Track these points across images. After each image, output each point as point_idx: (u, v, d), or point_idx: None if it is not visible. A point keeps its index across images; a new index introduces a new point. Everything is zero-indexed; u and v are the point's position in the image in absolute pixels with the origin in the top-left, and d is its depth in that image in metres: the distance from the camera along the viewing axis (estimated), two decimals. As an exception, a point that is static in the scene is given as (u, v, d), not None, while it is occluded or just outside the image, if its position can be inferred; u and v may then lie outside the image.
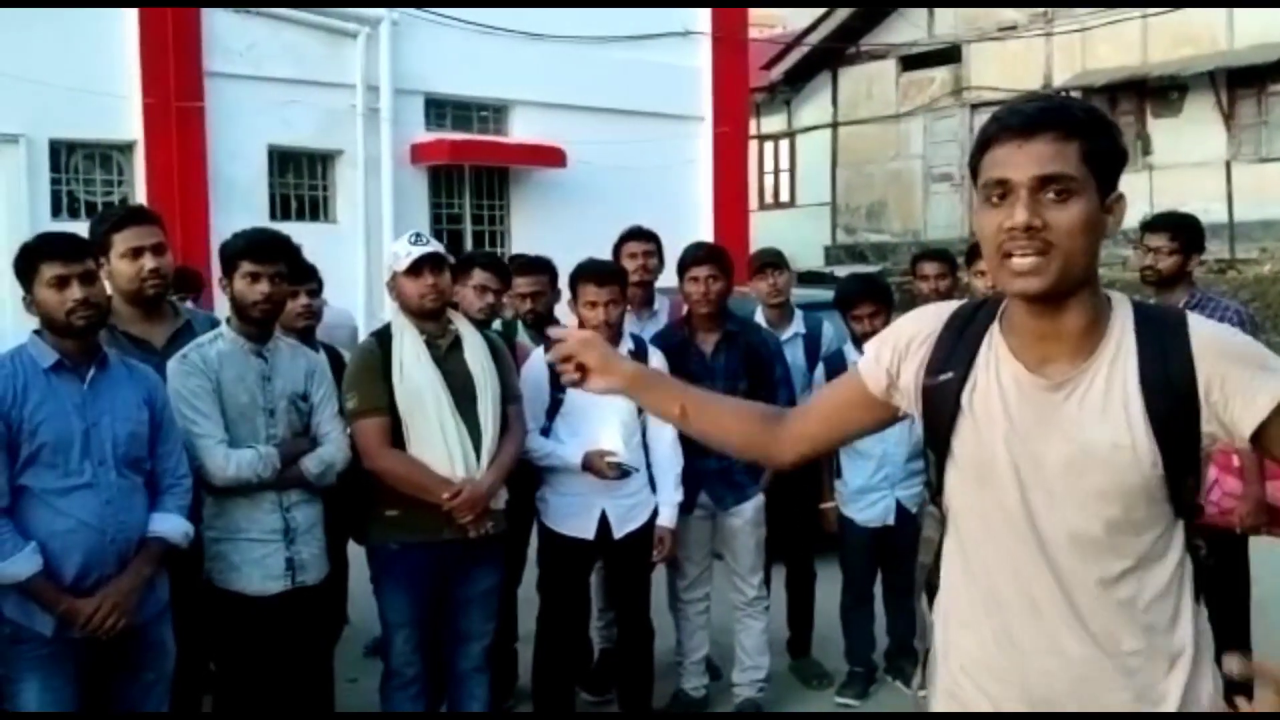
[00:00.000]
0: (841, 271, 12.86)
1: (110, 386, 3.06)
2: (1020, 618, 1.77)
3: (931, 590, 1.97)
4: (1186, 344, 1.65)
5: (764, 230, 14.31)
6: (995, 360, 1.77)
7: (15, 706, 2.94)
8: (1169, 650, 1.72)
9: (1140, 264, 4.44)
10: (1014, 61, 17.90)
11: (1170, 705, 1.72)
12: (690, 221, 12.39)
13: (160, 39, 10.17)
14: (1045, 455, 1.71)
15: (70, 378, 3.00)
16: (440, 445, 3.62)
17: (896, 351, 1.88)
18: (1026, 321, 1.73)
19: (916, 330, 1.87)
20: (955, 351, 1.80)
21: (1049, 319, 1.70)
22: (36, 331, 3.05)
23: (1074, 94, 17.29)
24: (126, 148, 10.42)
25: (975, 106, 18.25)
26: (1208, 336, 1.67)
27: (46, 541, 2.90)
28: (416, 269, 3.66)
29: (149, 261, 3.53)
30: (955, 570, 1.88)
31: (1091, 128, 1.66)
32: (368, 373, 3.67)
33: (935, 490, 1.90)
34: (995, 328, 1.79)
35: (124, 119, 10.24)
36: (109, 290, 3.31)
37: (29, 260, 3.00)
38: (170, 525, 3.12)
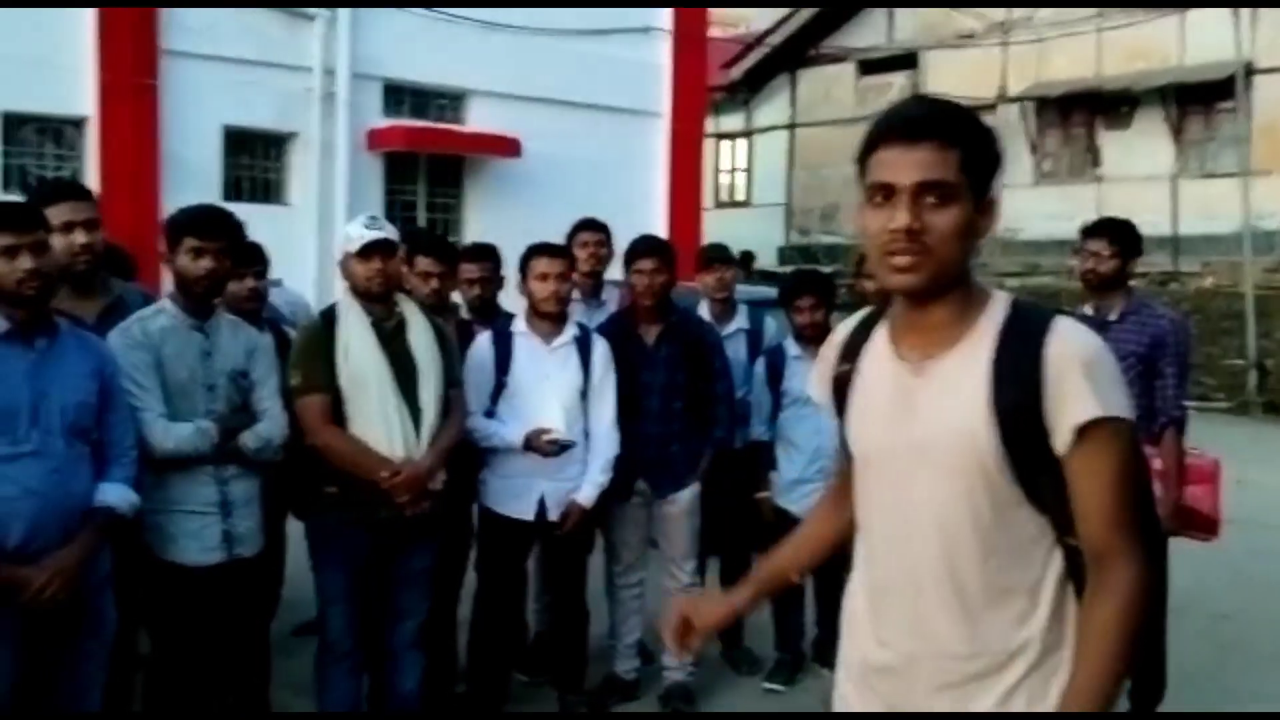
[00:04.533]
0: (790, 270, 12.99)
1: (60, 356, 3.08)
2: (890, 599, 1.88)
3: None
4: (1043, 342, 1.70)
5: (719, 229, 14.41)
6: (875, 351, 1.90)
7: (-47, 668, 2.97)
8: (1005, 647, 1.76)
9: (1081, 269, 4.56)
10: (971, 70, 18.16)
11: (986, 701, 1.77)
12: (644, 216, 12.48)
13: (118, 15, 10.10)
14: (906, 437, 1.80)
15: (20, 347, 3.02)
16: (381, 425, 3.68)
17: (826, 360, 2.02)
18: (902, 314, 1.85)
19: (836, 335, 2.02)
20: (852, 346, 1.95)
21: (920, 311, 1.81)
22: (-12, 300, 3.07)
23: (1028, 104, 17.63)
24: (79, 123, 10.34)
25: (931, 113, 18.49)
26: (1064, 340, 1.71)
27: (-9, 508, 2.92)
28: (367, 252, 3.72)
29: (80, 237, 3.54)
30: (857, 557, 1.99)
31: (971, 136, 1.75)
32: (312, 351, 3.72)
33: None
34: (884, 323, 1.92)
35: (78, 94, 10.16)
36: None
37: None
38: (117, 495, 3.15)
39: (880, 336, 1.90)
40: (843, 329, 2.02)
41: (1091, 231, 4.54)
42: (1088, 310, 4.56)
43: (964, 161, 1.72)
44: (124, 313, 3.57)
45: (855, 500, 1.96)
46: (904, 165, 1.72)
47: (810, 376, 2.10)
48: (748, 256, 17.32)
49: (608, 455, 4.33)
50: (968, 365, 1.75)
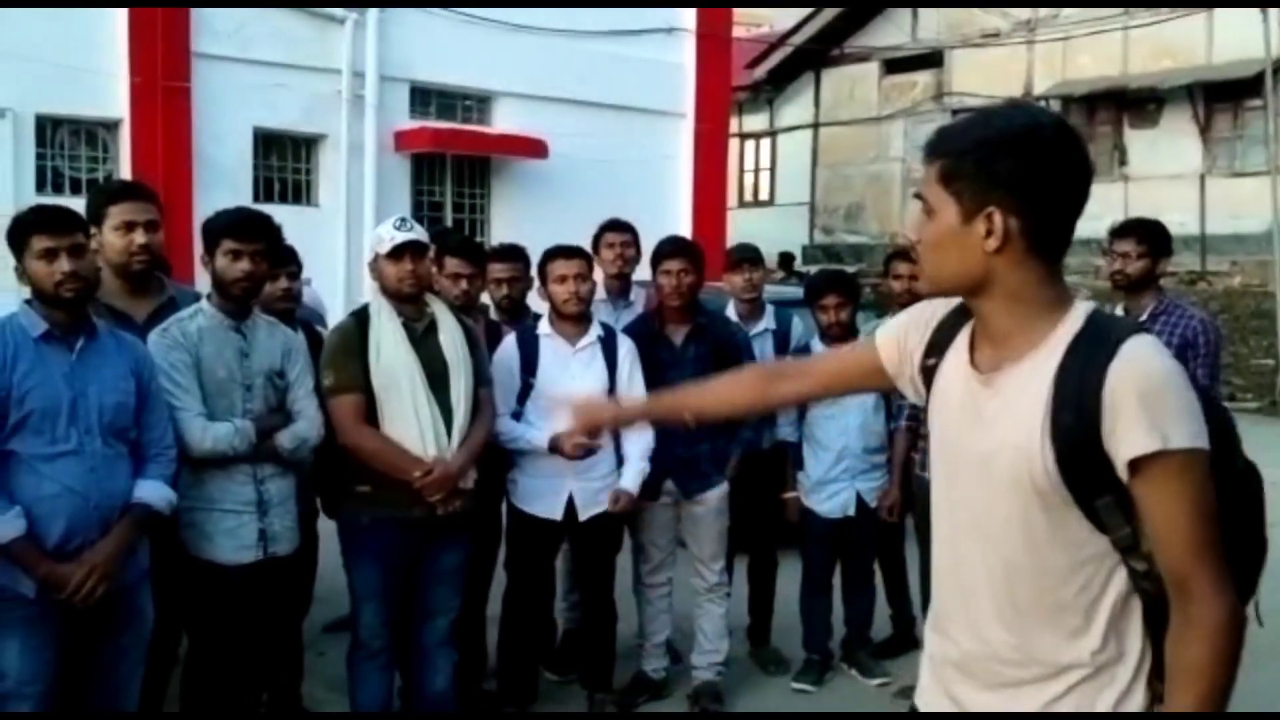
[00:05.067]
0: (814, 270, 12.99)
1: (98, 357, 3.14)
2: (949, 598, 1.90)
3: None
4: (1109, 363, 1.64)
5: (743, 228, 14.41)
6: (956, 353, 1.88)
7: (-3, 664, 3.03)
8: (1055, 660, 1.76)
9: (1110, 269, 4.55)
10: (995, 68, 18.09)
11: (1033, 704, 1.78)
12: (669, 216, 12.51)
13: (149, 18, 10.21)
14: (969, 445, 1.80)
15: (59, 347, 3.08)
16: (413, 424, 3.72)
17: (919, 324, 1.98)
18: (975, 319, 1.85)
19: (931, 313, 1.98)
20: (945, 338, 1.92)
21: (979, 319, 1.82)
22: (28, 301, 3.13)
23: (1053, 103, 17.53)
24: (112, 125, 10.45)
25: (956, 112, 18.39)
26: (1130, 362, 1.64)
27: (31, 506, 2.98)
28: (398, 254, 3.76)
29: (140, 237, 3.61)
30: (932, 553, 2.00)
31: (952, 149, 1.74)
32: (345, 351, 3.77)
33: None
34: (969, 323, 1.89)
35: (111, 97, 10.28)
36: (100, 263, 3.40)
37: (20, 232, 3.07)
38: (155, 492, 3.21)
39: (963, 338, 1.88)
40: (937, 311, 1.97)
41: (1120, 232, 4.53)
42: (1117, 311, 4.56)
43: (943, 175, 1.74)
44: (175, 313, 3.63)
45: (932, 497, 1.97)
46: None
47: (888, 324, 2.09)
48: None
49: (644, 444, 4.33)
50: (1031, 381, 1.71)
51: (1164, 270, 4.58)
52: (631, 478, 4.32)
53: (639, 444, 4.34)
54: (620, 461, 4.36)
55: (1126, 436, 1.61)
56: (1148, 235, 4.47)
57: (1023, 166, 1.68)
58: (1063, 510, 1.70)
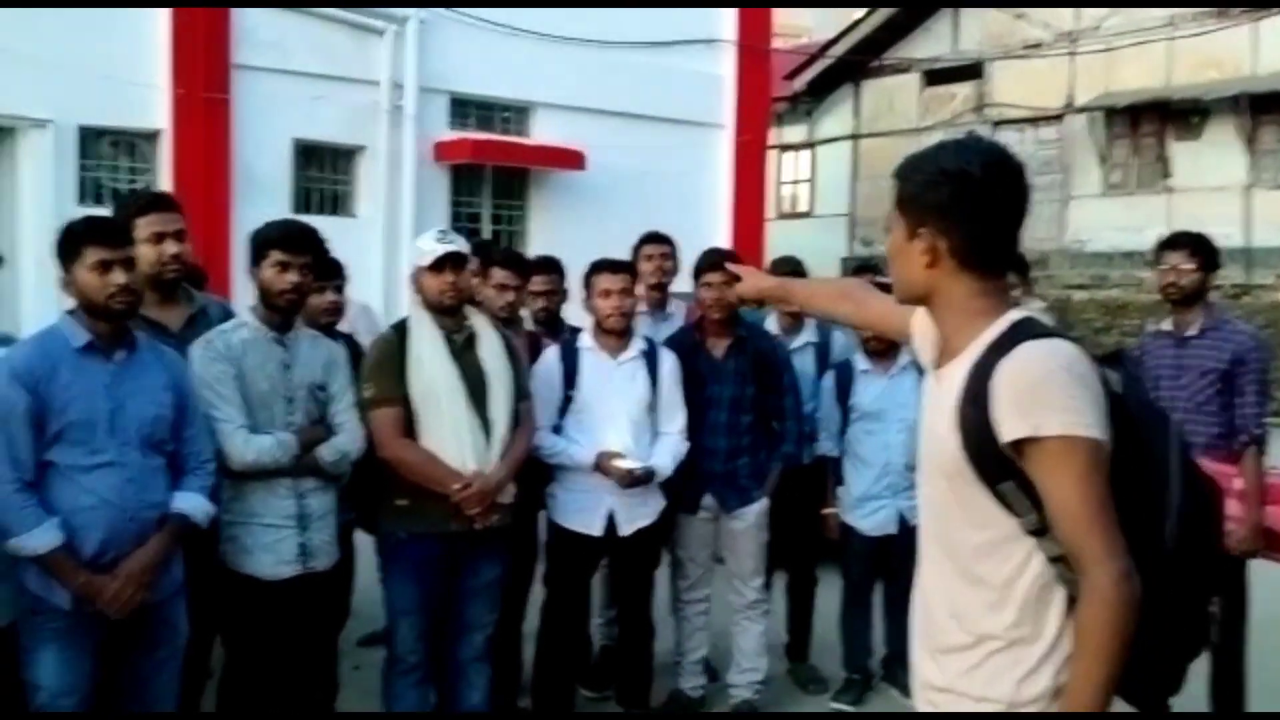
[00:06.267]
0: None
1: (138, 369, 3.14)
2: (918, 573, 2.13)
3: None
4: (998, 361, 1.86)
5: (781, 240, 14.35)
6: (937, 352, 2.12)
7: (33, 676, 3.02)
8: (975, 629, 1.94)
9: (1162, 283, 4.48)
10: (1037, 80, 17.94)
11: (952, 669, 1.97)
12: (708, 228, 12.44)
13: (191, 30, 10.27)
14: (923, 432, 2.08)
15: (100, 359, 3.08)
16: (452, 438, 3.70)
17: (927, 324, 2.17)
18: None
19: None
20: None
21: (933, 321, 2.08)
22: (69, 312, 3.13)
23: (1096, 114, 17.37)
24: (153, 136, 10.52)
25: (998, 124, 18.30)
26: (1015, 360, 1.86)
27: (69, 517, 2.97)
28: (439, 265, 3.75)
29: (170, 247, 3.62)
30: None
31: (902, 176, 2.04)
32: (385, 364, 3.75)
33: None
34: None
35: (152, 108, 10.33)
36: None
37: (73, 242, 3.06)
38: (193, 504, 3.20)
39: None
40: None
41: (1171, 244, 4.45)
42: (1166, 326, 4.47)
43: (897, 198, 2.04)
44: (207, 323, 3.64)
45: None
46: None
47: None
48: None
49: (677, 448, 4.31)
50: (955, 377, 1.95)
51: (1213, 284, 4.50)
52: (665, 463, 4.25)
53: (672, 443, 4.30)
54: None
55: (1003, 422, 1.83)
56: (1200, 248, 4.39)
57: (949, 197, 1.95)
58: (972, 492, 1.91)
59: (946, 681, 1.99)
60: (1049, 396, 1.82)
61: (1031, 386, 1.83)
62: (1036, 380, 1.83)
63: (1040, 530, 1.87)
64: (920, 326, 2.20)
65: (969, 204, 1.94)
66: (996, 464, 1.86)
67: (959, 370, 1.94)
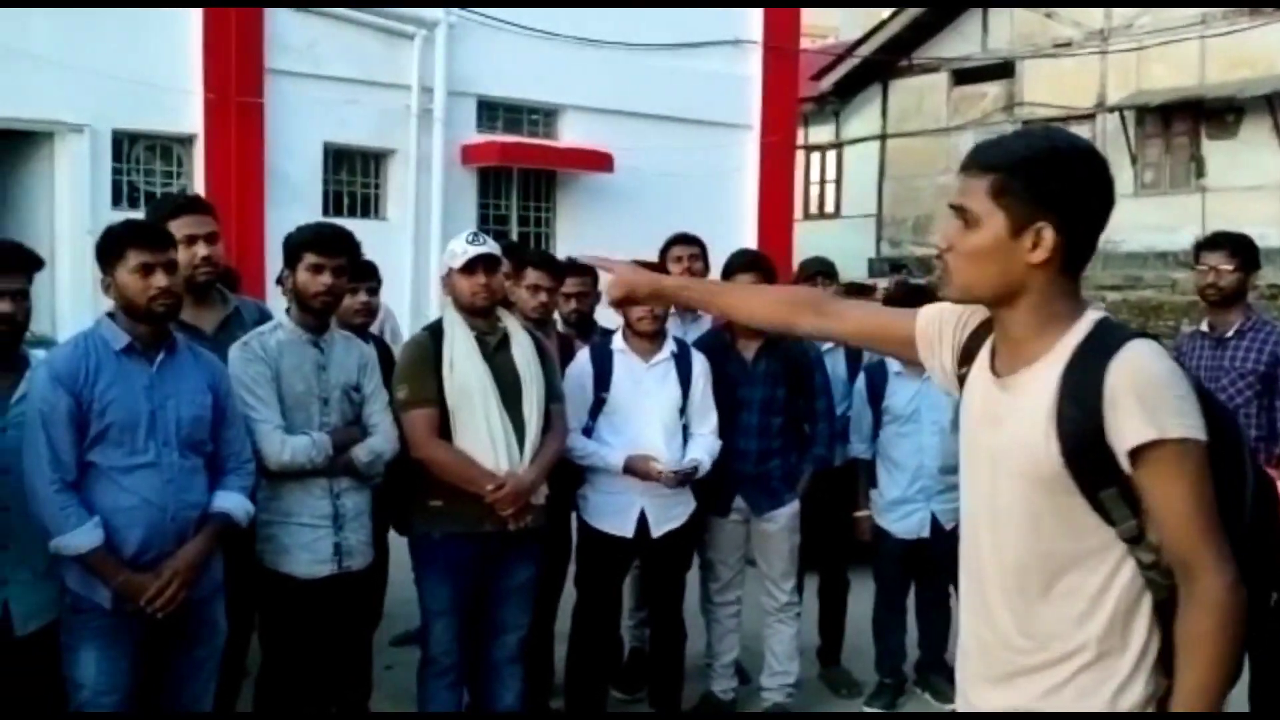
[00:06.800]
0: (884, 283, 12.86)
1: (177, 371, 3.17)
2: (969, 590, 1.99)
3: None
4: (1108, 362, 1.75)
5: (808, 241, 14.30)
6: (983, 358, 1.97)
7: (74, 674, 3.06)
8: (1063, 647, 1.83)
9: (1201, 284, 4.44)
10: (1068, 79, 17.81)
11: (1032, 691, 1.85)
12: (735, 230, 12.44)
13: (223, 34, 10.36)
14: (987, 445, 1.91)
15: (140, 360, 3.11)
16: (485, 438, 3.71)
17: (949, 327, 2.06)
18: (996, 327, 1.95)
19: (966, 317, 2.05)
20: (973, 348, 2.02)
21: (1000, 326, 1.92)
22: (109, 314, 3.16)
23: (1128, 113, 17.22)
24: (187, 140, 10.62)
25: (1027, 123, 18.15)
26: (1128, 361, 1.75)
27: (110, 516, 3.01)
28: (471, 267, 3.76)
29: (202, 249, 3.65)
30: None
31: (1004, 165, 1.82)
32: (419, 365, 3.77)
33: None
34: (992, 335, 1.99)
35: (185, 112, 10.43)
36: None
37: (116, 244, 3.09)
38: (235, 503, 3.23)
39: (987, 346, 1.98)
40: (970, 317, 2.03)
41: (1210, 244, 4.42)
42: (1203, 327, 4.44)
43: (996, 189, 1.82)
44: (241, 324, 3.67)
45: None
46: (954, 189, 1.90)
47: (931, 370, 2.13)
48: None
49: (712, 446, 4.30)
50: (1040, 382, 1.82)
51: (1253, 285, 4.46)
52: (701, 458, 4.24)
53: (706, 448, 4.30)
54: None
55: (1125, 428, 1.72)
56: (1240, 248, 4.36)
57: (1070, 186, 1.80)
58: (1067, 500, 1.80)
59: (1023, 704, 1.87)
60: (1168, 398, 1.73)
61: (1153, 388, 1.73)
62: (1157, 382, 1.74)
63: (1136, 537, 1.79)
64: (932, 331, 2.07)
65: (1089, 194, 1.81)
66: (1100, 470, 1.76)
67: (1044, 374, 1.81)
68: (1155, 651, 1.81)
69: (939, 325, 2.07)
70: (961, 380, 2.03)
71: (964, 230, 1.85)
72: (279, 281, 3.14)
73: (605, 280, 2.44)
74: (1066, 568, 1.82)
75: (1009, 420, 1.85)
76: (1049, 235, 1.80)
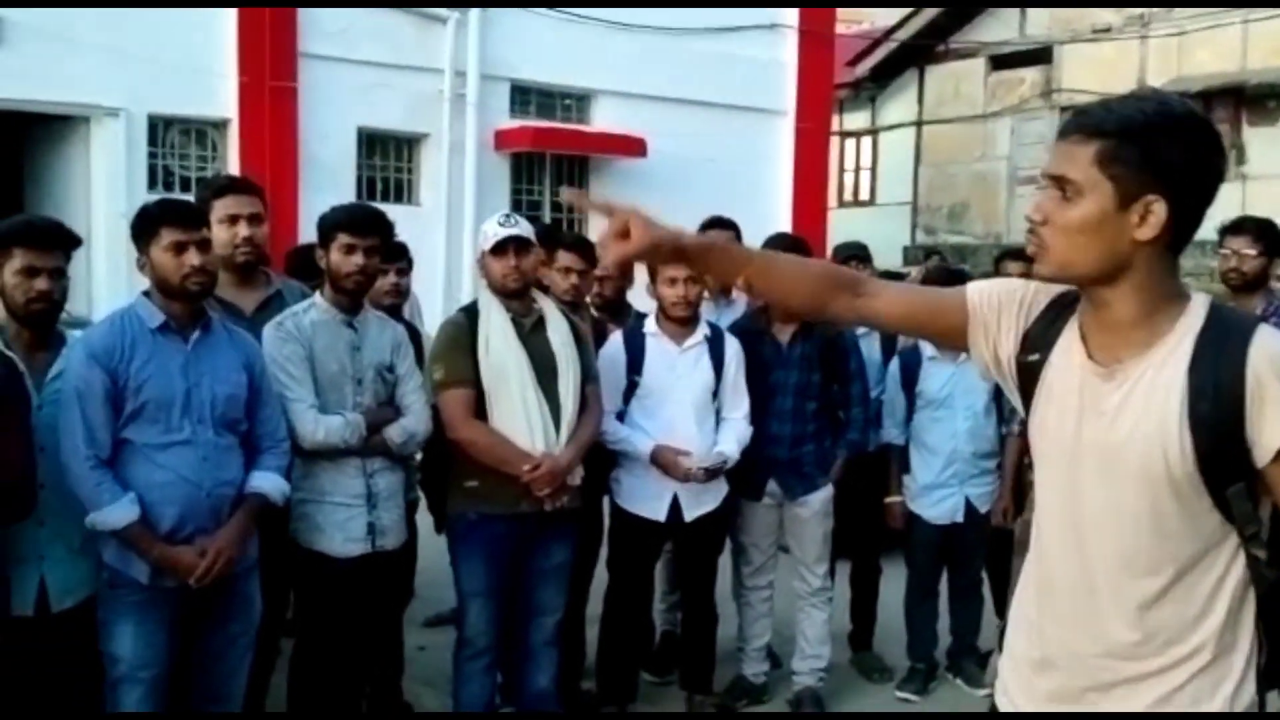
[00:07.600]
0: (915, 272, 12.77)
1: (212, 349, 3.19)
2: (1058, 597, 1.84)
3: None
4: (1245, 350, 1.64)
5: (842, 228, 14.19)
6: (1066, 346, 1.82)
7: (111, 649, 3.09)
8: (1181, 650, 1.74)
9: (1223, 268, 4.39)
10: (1107, 64, 17.56)
11: (1146, 699, 1.75)
12: (769, 216, 12.38)
13: (258, 19, 10.42)
14: (1089, 438, 1.76)
15: (175, 339, 3.13)
16: (522, 419, 3.71)
17: (1012, 307, 1.89)
18: (1087, 309, 1.79)
19: (1029, 300, 1.90)
20: (1046, 333, 1.85)
21: (1099, 308, 1.76)
22: (145, 293, 3.18)
23: (1167, 99, 16.97)
24: (221, 124, 10.69)
25: (1065, 109, 17.93)
26: (1269, 348, 1.64)
27: (145, 493, 3.03)
28: (501, 249, 3.76)
29: (244, 229, 3.68)
30: (1030, 552, 1.94)
31: (1114, 131, 1.66)
32: (455, 346, 3.77)
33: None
34: (1077, 314, 1.83)
35: (220, 96, 10.50)
36: None
37: (149, 223, 3.12)
38: (270, 483, 3.25)
39: (1071, 331, 1.82)
40: (1034, 299, 1.88)
41: (1233, 229, 4.37)
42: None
43: (1103, 158, 1.66)
44: (282, 305, 3.69)
45: (1036, 486, 1.89)
46: (1052, 157, 1.73)
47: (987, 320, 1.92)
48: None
49: (742, 434, 4.28)
50: (1161, 373, 1.69)
51: (1275, 271, 4.40)
52: (730, 449, 4.22)
53: (736, 429, 4.28)
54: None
55: (1275, 423, 1.61)
56: (1264, 233, 4.30)
57: (1187, 156, 1.65)
58: (1193, 499, 1.69)
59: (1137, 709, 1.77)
60: None
61: None
62: None
63: (1256, 534, 1.71)
64: (988, 311, 1.89)
65: (1204, 165, 1.66)
66: (1232, 466, 1.66)
67: (1164, 364, 1.69)
68: (1258, 655, 1.75)
69: (997, 306, 1.90)
70: (1024, 368, 1.87)
71: (1063, 202, 1.69)
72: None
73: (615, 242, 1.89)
74: (1188, 568, 1.73)
75: (1124, 416, 1.71)
76: (1160, 209, 1.64)
